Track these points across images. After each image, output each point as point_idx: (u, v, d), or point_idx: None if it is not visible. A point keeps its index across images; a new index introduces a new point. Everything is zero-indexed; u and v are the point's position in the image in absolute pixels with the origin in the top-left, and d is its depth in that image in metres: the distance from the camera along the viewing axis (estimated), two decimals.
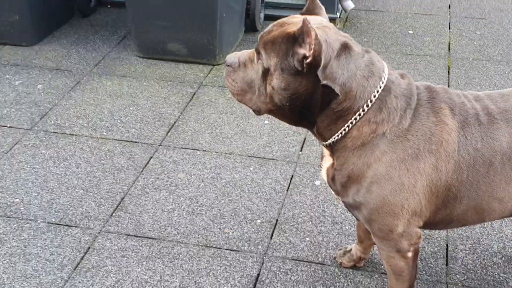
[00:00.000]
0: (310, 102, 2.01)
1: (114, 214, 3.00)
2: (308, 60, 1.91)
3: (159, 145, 3.50)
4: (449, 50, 4.59)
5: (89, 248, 2.80)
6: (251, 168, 3.32)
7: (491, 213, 2.18)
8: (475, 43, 4.68)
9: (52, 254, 2.77)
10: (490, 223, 2.92)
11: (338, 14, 4.96)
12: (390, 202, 2.06)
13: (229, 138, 3.56)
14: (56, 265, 2.71)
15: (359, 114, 2.02)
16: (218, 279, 2.64)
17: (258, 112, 2.12)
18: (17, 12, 4.47)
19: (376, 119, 2.03)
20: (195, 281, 2.63)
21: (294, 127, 3.57)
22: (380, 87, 2.03)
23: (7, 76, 4.20)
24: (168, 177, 3.24)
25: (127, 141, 3.54)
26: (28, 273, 2.66)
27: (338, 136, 2.07)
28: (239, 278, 2.65)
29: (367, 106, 2.02)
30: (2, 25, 4.51)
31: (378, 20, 5.08)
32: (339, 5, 4.97)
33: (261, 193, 3.14)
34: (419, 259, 2.70)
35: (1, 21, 4.50)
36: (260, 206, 3.05)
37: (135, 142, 3.53)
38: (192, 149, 3.47)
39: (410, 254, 2.19)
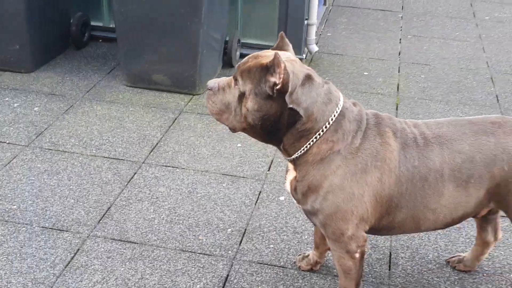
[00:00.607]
0: (279, 122, 2.17)
1: (101, 221, 3.09)
2: (277, 87, 2.08)
3: (142, 163, 3.61)
4: (397, 90, 4.77)
5: (78, 249, 2.89)
6: (224, 184, 3.44)
7: (425, 222, 2.33)
8: (420, 85, 4.87)
9: (45, 254, 2.84)
10: (427, 235, 3.07)
11: (304, 55, 5.14)
12: (342, 209, 2.21)
13: (205, 158, 3.69)
14: (49, 263, 2.79)
15: (319, 134, 2.18)
16: (192, 279, 2.75)
17: (233, 130, 2.26)
18: (17, 42, 4.54)
19: (333, 138, 2.19)
20: (171, 280, 2.73)
21: (263, 150, 3.73)
22: (337, 112, 2.19)
23: (7, 99, 4.28)
24: (150, 191, 3.35)
25: (114, 158, 3.64)
26: (23, 270, 2.74)
27: (301, 152, 2.22)
28: (211, 278, 2.76)
29: (326, 127, 2.18)
30: (4, 53, 4.57)
31: (338, 62, 5.25)
32: (305, 47, 5.17)
33: (232, 206, 3.26)
34: (366, 264, 2.85)
35: (3, 49, 4.55)
36: (231, 217, 3.17)
37: (121, 159, 3.63)
38: (172, 166, 3.59)
39: (357, 255, 2.31)
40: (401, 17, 6.49)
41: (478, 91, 4.80)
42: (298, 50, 5.05)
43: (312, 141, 2.18)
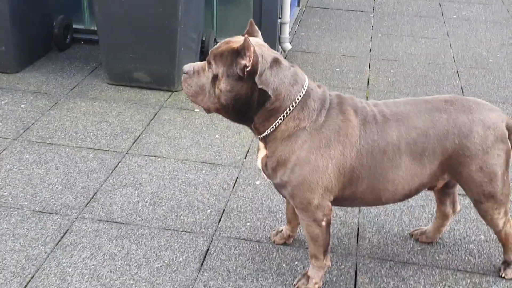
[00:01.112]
0: (249, 102, 2.39)
1: (88, 204, 3.30)
2: (248, 69, 2.30)
3: (126, 153, 3.82)
4: (368, 84, 5.03)
5: (67, 230, 3.10)
6: (203, 171, 3.67)
7: (385, 193, 2.54)
8: (389, 79, 5.14)
9: (37, 234, 3.05)
10: (392, 212, 3.33)
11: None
12: (308, 180, 2.43)
13: (185, 148, 3.91)
14: (40, 242, 2.99)
15: (286, 113, 2.41)
16: (175, 253, 2.97)
17: (208, 110, 2.47)
18: (3, 44, 4.72)
19: (299, 116, 2.42)
20: (156, 254, 2.95)
21: (240, 141, 3.96)
22: (302, 92, 2.42)
23: None
24: (133, 177, 3.57)
25: (99, 149, 3.85)
26: (17, 248, 2.94)
27: (270, 130, 2.44)
28: (192, 252, 2.99)
29: (292, 106, 2.41)
30: None
31: (311, 60, 5.50)
32: (279, 46, 5.42)
33: (211, 190, 3.48)
34: (335, 238, 3.09)
35: None
36: (210, 200, 3.40)
37: (106, 150, 3.85)
38: (154, 156, 3.81)
39: (324, 223, 2.53)
40: (372, 17, 6.77)
41: (444, 84, 5.08)
42: (272, 48, 5.29)
43: (280, 119, 2.41)
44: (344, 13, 6.86)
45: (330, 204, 2.52)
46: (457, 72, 5.32)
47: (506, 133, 2.54)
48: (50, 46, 5.33)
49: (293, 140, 2.41)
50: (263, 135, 2.46)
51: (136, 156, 3.78)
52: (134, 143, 3.93)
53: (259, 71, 2.30)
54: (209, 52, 2.42)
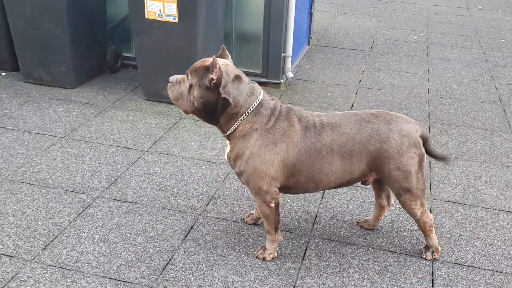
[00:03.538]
0: (216, 107, 2.62)
1: (109, 188, 3.58)
2: (214, 81, 2.54)
3: (146, 151, 4.10)
4: (351, 107, 5.19)
5: (88, 205, 3.37)
6: (203, 167, 3.91)
7: (322, 183, 2.72)
8: (370, 104, 5.28)
9: (65, 207, 3.33)
10: (346, 205, 3.48)
11: (282, 80, 5.61)
12: (258, 170, 2.63)
13: (193, 149, 4.16)
14: (66, 213, 3.27)
15: (243, 117, 2.63)
16: (167, 226, 3.20)
17: (186, 112, 2.70)
18: (64, 66, 5.10)
19: (253, 120, 2.63)
20: (152, 226, 3.19)
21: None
22: (257, 102, 2.64)
23: (53, 106, 4.84)
24: (148, 169, 3.84)
25: (125, 147, 4.14)
26: (48, 216, 3.23)
27: (231, 130, 2.66)
28: (181, 225, 3.21)
29: (248, 112, 2.63)
30: (54, 73, 5.13)
31: (309, 86, 5.69)
32: (283, 74, 5.64)
33: (206, 182, 3.71)
34: (296, 222, 3.26)
35: (53, 70, 5.12)
36: (204, 189, 3.63)
37: (131, 148, 4.13)
38: (167, 154, 4.07)
39: (272, 205, 2.71)
40: (368, 55, 6.91)
41: (415, 109, 5.19)
42: (277, 76, 5.54)
43: (239, 122, 2.63)
44: (346, 51, 7.02)
45: (277, 190, 2.70)
46: (428, 100, 5.41)
47: (420, 141, 2.69)
48: (104, 69, 5.67)
49: (248, 138, 2.62)
50: (227, 134, 2.68)
51: (153, 153, 4.05)
52: (154, 144, 4.19)
53: (222, 83, 2.53)
54: (190, 67, 2.64)
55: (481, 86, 5.90)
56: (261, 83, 5.58)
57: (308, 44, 7.04)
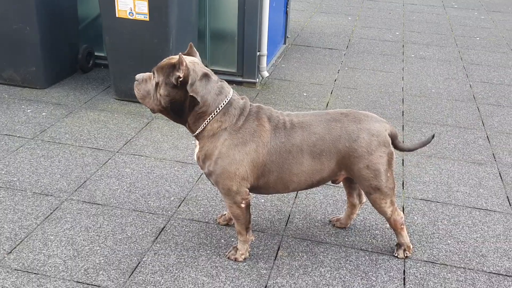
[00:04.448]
0: (183, 106, 2.59)
1: (77, 190, 3.52)
2: (181, 79, 2.51)
3: (116, 152, 4.05)
4: (326, 107, 5.20)
5: (57, 207, 3.31)
6: (175, 168, 3.88)
7: (292, 184, 2.70)
8: (344, 103, 5.30)
9: (32, 210, 3.27)
10: (319, 203, 3.48)
11: (257, 79, 5.60)
12: (227, 170, 2.61)
13: (165, 150, 4.13)
14: (33, 216, 3.21)
15: (212, 116, 2.61)
16: (137, 228, 3.16)
17: (153, 111, 2.67)
18: (34, 65, 5.02)
19: (221, 119, 2.61)
20: (121, 229, 3.15)
21: None
22: (225, 101, 2.62)
23: (23, 106, 4.76)
24: (118, 171, 3.79)
25: (96, 148, 4.09)
26: (14, 220, 3.16)
27: (200, 129, 2.63)
28: (151, 228, 3.18)
29: (216, 111, 2.61)
30: (24, 74, 5.04)
31: (285, 86, 5.69)
32: (259, 73, 5.63)
33: (178, 183, 3.68)
34: (269, 222, 3.26)
35: (23, 70, 5.03)
36: (176, 190, 3.60)
37: (101, 149, 4.08)
38: (139, 155, 4.03)
39: (243, 205, 2.69)
40: (344, 54, 6.94)
41: (389, 108, 5.22)
42: (252, 75, 5.53)
43: (207, 121, 2.60)
44: (322, 50, 7.04)
45: (248, 190, 2.69)
46: (402, 99, 5.46)
47: (389, 139, 2.71)
48: (75, 69, 5.59)
49: (216, 138, 2.60)
50: (195, 133, 2.65)
51: (124, 154, 4.00)
52: (125, 144, 4.15)
53: (190, 81, 2.50)
54: (157, 65, 2.61)
55: (455, 84, 5.97)
56: (236, 83, 5.57)
57: (284, 43, 7.04)
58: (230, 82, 5.52)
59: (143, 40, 4.60)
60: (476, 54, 7.11)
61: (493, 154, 4.34)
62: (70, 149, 4.03)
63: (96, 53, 5.79)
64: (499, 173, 4.02)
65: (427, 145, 4.37)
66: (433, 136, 2.89)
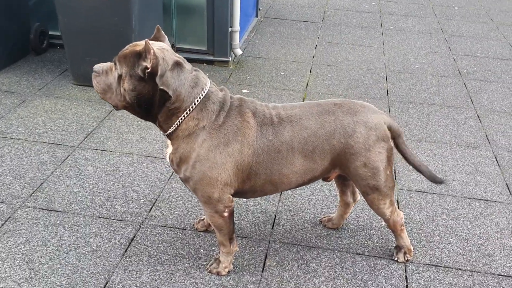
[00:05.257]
0: (152, 101, 2.21)
1: (33, 194, 3.12)
2: (148, 70, 2.13)
3: (76, 147, 3.65)
4: (306, 87, 4.88)
5: (9, 217, 2.92)
6: (144, 164, 3.50)
7: (281, 185, 2.41)
8: (325, 82, 4.99)
9: None
10: (307, 201, 3.18)
11: (230, 58, 5.22)
12: (208, 176, 2.27)
13: (132, 143, 3.74)
14: None
15: (186, 113, 2.25)
16: (103, 239, 2.80)
17: (116, 107, 2.28)
18: None
19: (198, 116, 2.25)
20: (85, 241, 2.79)
21: None
22: (202, 95, 2.26)
23: None
24: (79, 169, 3.40)
25: (53, 143, 3.67)
26: None
27: (173, 128, 2.27)
28: (119, 238, 2.82)
29: (192, 107, 2.25)
30: None
31: (260, 64, 5.34)
32: (231, 51, 5.24)
33: (148, 181, 3.32)
34: (253, 225, 2.94)
35: None
36: (146, 190, 3.23)
37: (59, 144, 3.67)
38: (102, 150, 3.63)
39: (226, 214, 2.38)
40: (320, 27, 6.60)
41: (373, 87, 4.93)
42: (224, 53, 5.14)
43: (181, 118, 2.24)
44: (296, 23, 6.68)
45: (231, 197, 2.36)
46: (386, 76, 5.17)
47: (388, 133, 2.41)
48: (27, 51, 5.10)
49: (193, 138, 2.26)
50: (168, 132, 2.30)
51: (85, 150, 3.60)
52: (86, 138, 3.75)
53: (159, 72, 2.13)
54: (118, 54, 2.23)
55: (439, 58, 5.71)
56: (207, 62, 5.18)
57: (256, 16, 6.65)
58: (200, 61, 5.13)
59: (103, 19, 4.15)
60: (456, 25, 6.86)
61: (486, 135, 4.10)
62: (24, 145, 3.60)
63: (50, 32, 5.30)
64: (495, 157, 3.78)
65: (417, 128, 4.09)
66: (442, 182, 2.59)
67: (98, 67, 2.24)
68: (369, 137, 2.34)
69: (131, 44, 2.23)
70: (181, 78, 2.18)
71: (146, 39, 2.12)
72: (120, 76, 2.15)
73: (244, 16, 5.73)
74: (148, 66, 2.10)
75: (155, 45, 2.17)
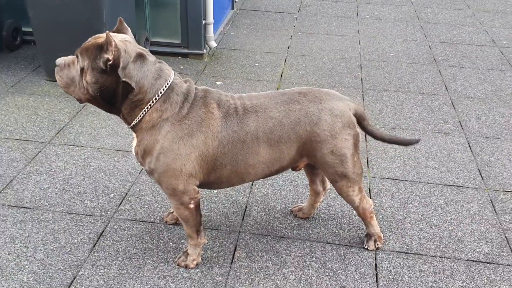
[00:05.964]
0: (115, 94, 2.17)
1: (2, 192, 3.06)
2: (110, 63, 2.09)
3: (47, 143, 3.59)
4: (280, 77, 4.84)
5: None
6: (115, 158, 3.45)
7: (248, 176, 2.38)
8: (300, 72, 4.96)
9: None
10: (279, 191, 3.16)
11: (205, 50, 5.17)
12: (172, 168, 2.24)
13: (103, 137, 3.69)
14: None
15: (150, 105, 2.21)
16: (72, 235, 2.76)
17: (80, 100, 2.24)
18: None
19: (162, 108, 2.22)
20: (54, 237, 2.74)
21: None
22: (166, 86, 2.22)
23: None
24: (49, 165, 3.34)
25: (24, 140, 3.61)
26: None
27: (136, 120, 2.23)
28: (88, 233, 2.78)
29: (155, 99, 2.21)
30: None
31: (235, 56, 5.30)
32: (206, 44, 5.19)
33: (118, 176, 3.27)
34: (223, 217, 2.91)
35: None
36: (116, 185, 3.19)
37: (30, 140, 3.60)
38: (73, 145, 3.58)
39: (192, 206, 2.35)
40: (296, 18, 6.56)
41: (347, 75, 4.91)
42: (199, 46, 5.09)
43: (145, 110, 2.20)
44: (272, 14, 6.64)
45: (197, 188, 2.33)
46: (360, 65, 5.15)
47: (354, 120, 2.39)
48: (1, 47, 5.01)
49: (157, 130, 2.22)
50: (132, 125, 2.26)
51: (56, 145, 3.55)
52: (57, 133, 3.69)
53: (121, 64, 2.09)
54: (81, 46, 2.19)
55: (414, 46, 5.70)
56: (181, 55, 5.12)
57: (232, 8, 6.60)
58: (175, 54, 5.07)
59: (73, 13, 4.08)
60: (432, 12, 6.86)
61: (459, 121, 4.10)
62: None
63: (24, 29, 5.21)
64: (468, 143, 3.78)
65: (390, 116, 4.09)
66: (417, 141, 2.58)
67: (60, 60, 2.20)
68: (334, 124, 2.32)
69: (93, 36, 2.19)
70: (144, 70, 2.15)
71: (107, 31, 2.08)
72: (82, 69, 2.12)
73: (219, 9, 5.68)
74: (110, 58, 2.06)
75: (117, 37, 2.13)
